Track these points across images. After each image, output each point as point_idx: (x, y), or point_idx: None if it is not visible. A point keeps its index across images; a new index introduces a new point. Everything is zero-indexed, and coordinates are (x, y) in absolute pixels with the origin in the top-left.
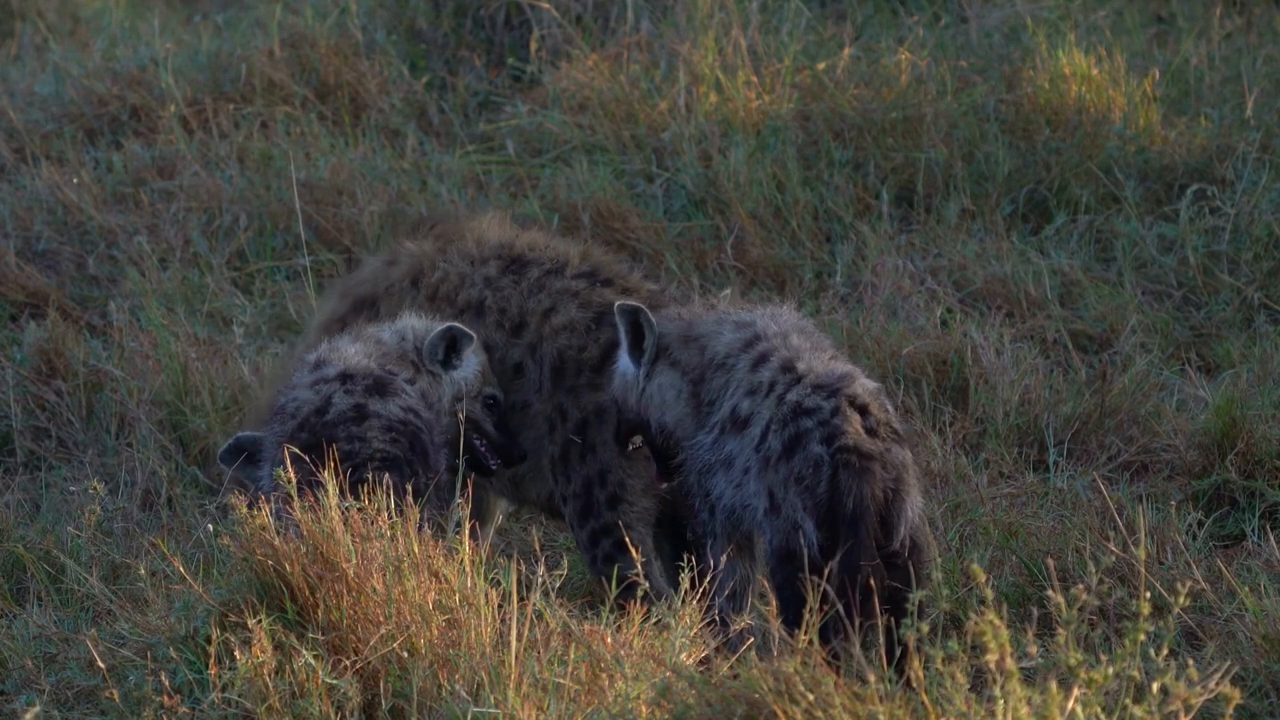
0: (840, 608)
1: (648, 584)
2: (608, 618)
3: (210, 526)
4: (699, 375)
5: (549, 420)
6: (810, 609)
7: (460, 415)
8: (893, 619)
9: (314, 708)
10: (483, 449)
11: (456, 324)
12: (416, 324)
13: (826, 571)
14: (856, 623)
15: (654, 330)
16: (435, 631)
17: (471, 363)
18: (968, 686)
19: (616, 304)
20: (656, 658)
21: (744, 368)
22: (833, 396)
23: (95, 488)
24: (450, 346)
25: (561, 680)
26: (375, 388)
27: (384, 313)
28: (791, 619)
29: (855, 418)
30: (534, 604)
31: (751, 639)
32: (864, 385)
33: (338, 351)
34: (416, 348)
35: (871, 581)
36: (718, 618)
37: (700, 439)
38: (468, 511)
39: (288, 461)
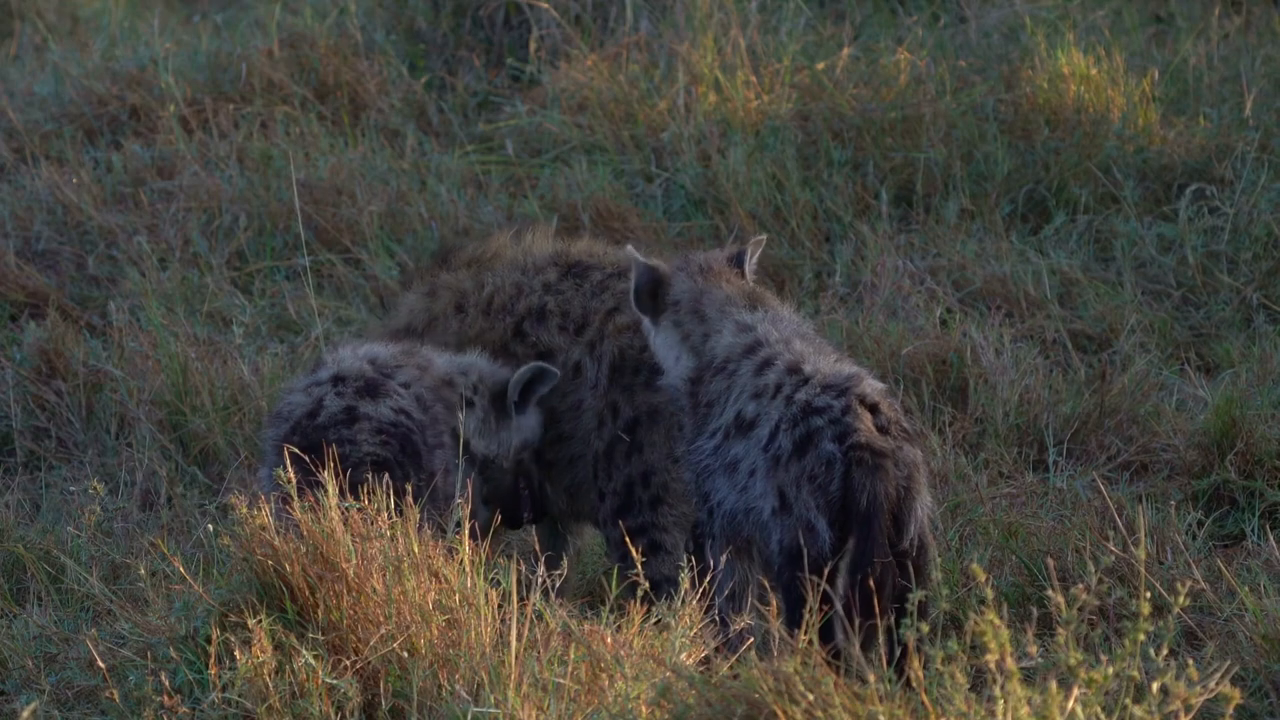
0: (851, 606)
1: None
2: (608, 618)
3: (210, 526)
4: (696, 375)
5: (599, 416)
6: (811, 609)
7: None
8: (897, 618)
9: (314, 708)
10: (525, 497)
11: (546, 365)
12: (484, 365)
13: (827, 570)
14: (866, 621)
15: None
16: (435, 631)
17: (534, 414)
18: (968, 686)
19: (632, 253)
20: (656, 658)
21: (747, 373)
22: (843, 395)
23: (95, 488)
24: (528, 385)
25: (561, 680)
26: (366, 389)
27: (429, 344)
28: (799, 619)
29: (866, 416)
30: (534, 604)
31: (751, 639)
32: (872, 385)
33: (334, 354)
34: (475, 386)
35: (882, 580)
36: (717, 618)
37: (701, 444)
38: (467, 511)
39: (287, 462)
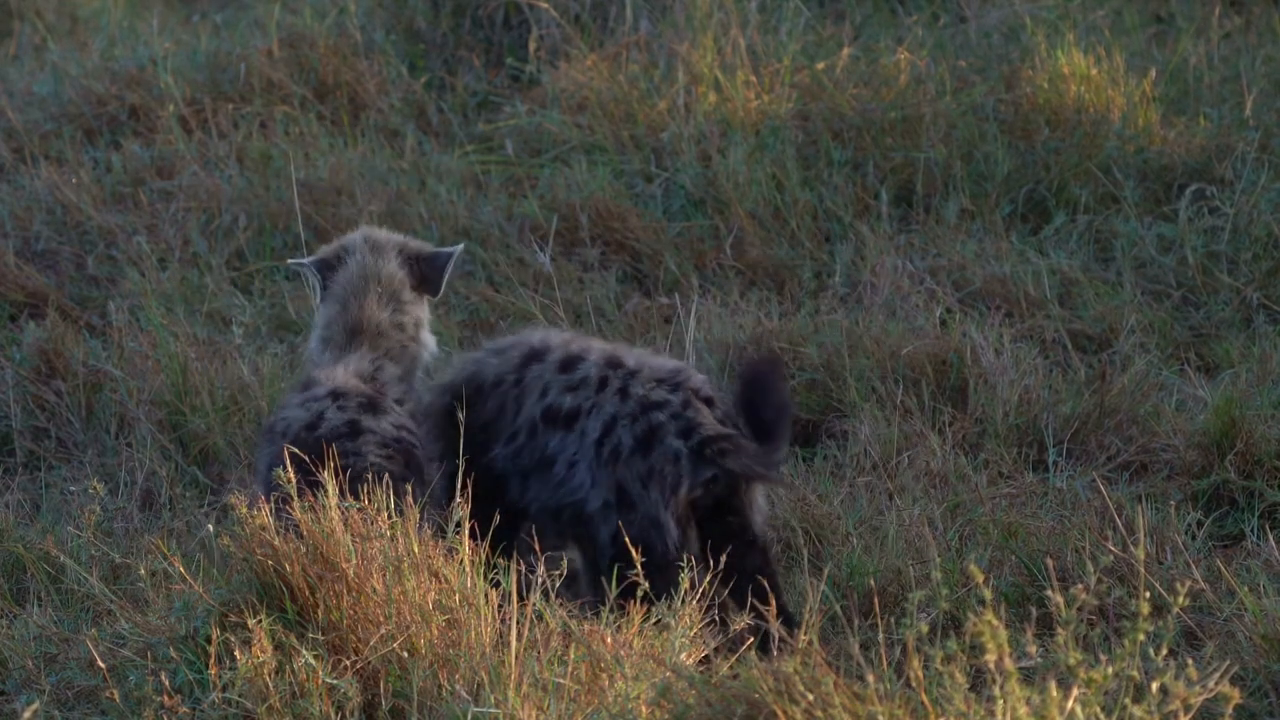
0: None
1: None
2: (607, 618)
3: (210, 527)
4: (450, 406)
5: None
6: (770, 613)
7: None
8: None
9: (314, 708)
10: None
11: None
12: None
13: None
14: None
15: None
16: (435, 631)
17: None
18: (967, 686)
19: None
20: (656, 658)
21: (548, 373)
22: (677, 390)
23: (95, 488)
24: None
25: (561, 680)
26: (369, 405)
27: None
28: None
29: (705, 409)
30: (534, 604)
31: (751, 639)
32: (699, 378)
33: (327, 373)
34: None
35: (742, 562)
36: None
37: (496, 451)
38: (467, 511)
39: (287, 462)
